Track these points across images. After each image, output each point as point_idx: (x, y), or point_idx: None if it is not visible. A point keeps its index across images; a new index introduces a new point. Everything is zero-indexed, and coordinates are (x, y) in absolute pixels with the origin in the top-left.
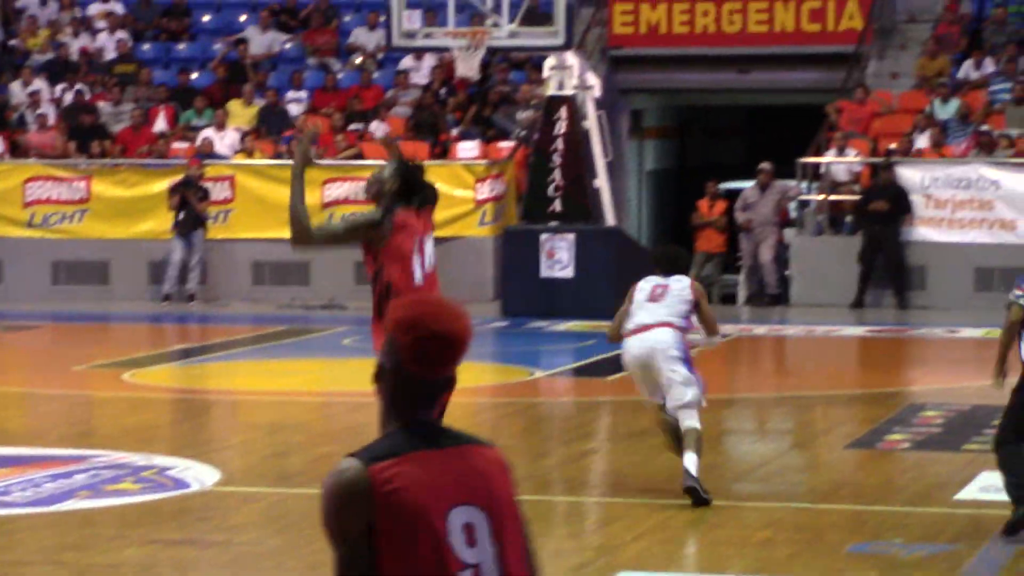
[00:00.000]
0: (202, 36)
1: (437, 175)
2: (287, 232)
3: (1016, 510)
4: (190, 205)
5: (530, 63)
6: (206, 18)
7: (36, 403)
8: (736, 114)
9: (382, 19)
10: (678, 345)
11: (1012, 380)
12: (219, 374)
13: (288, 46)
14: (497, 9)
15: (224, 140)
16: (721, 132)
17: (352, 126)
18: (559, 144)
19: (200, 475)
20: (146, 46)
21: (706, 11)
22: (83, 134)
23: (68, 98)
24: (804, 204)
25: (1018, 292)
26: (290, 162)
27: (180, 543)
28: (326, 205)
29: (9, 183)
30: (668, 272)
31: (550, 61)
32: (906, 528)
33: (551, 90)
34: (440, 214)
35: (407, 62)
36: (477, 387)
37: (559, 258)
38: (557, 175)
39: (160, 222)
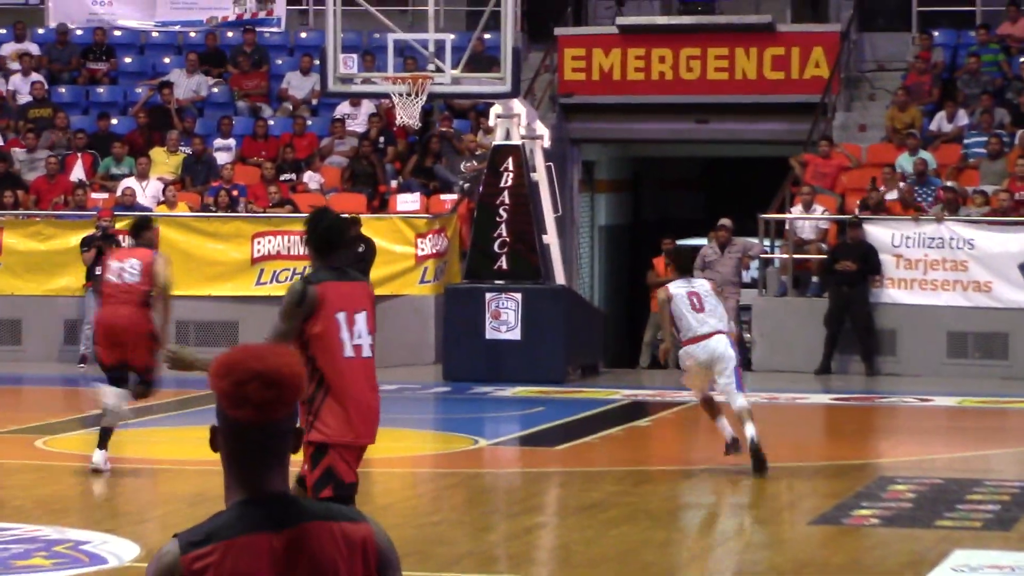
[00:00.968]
0: (123, 79)
1: (375, 229)
2: (213, 289)
3: None
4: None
5: (475, 111)
6: (128, 59)
7: None
8: (694, 166)
9: (316, 63)
10: (734, 352)
11: None
12: (139, 441)
13: (216, 90)
14: (439, 54)
15: (147, 190)
16: (678, 185)
17: (284, 176)
18: (505, 197)
19: (117, 550)
20: (63, 89)
21: (662, 56)
22: None
23: None
24: (767, 263)
25: None
26: (219, 215)
27: None
28: (255, 260)
29: None
30: (686, 272)
31: (496, 109)
32: None
33: (497, 140)
34: (378, 271)
35: (343, 109)
36: (416, 456)
37: (505, 319)
38: (503, 230)
39: (76, 278)
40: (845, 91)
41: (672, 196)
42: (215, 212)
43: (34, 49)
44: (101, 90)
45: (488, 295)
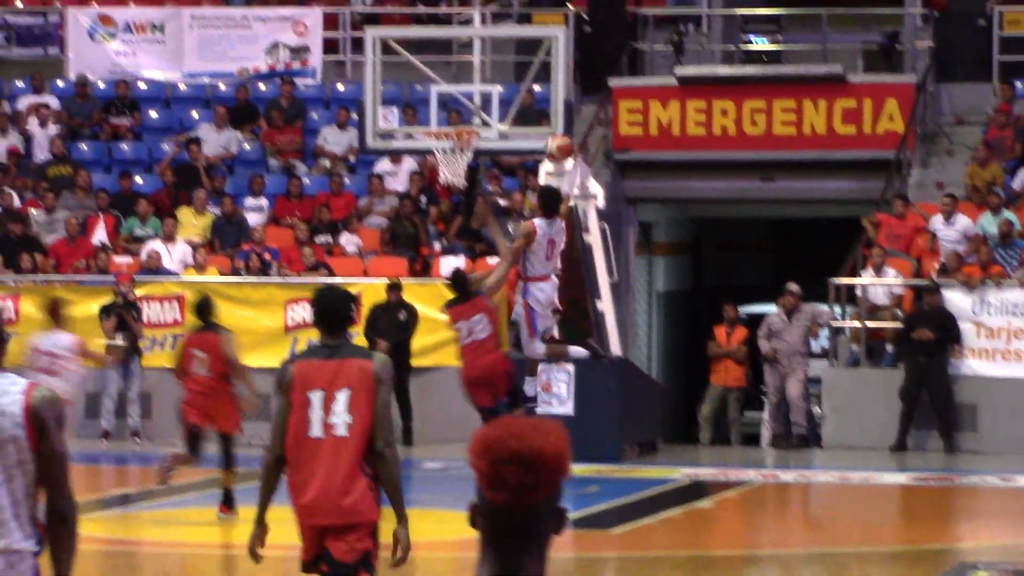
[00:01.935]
0: (148, 134)
1: (417, 295)
2: (244, 360)
3: None
4: (129, 328)
5: (523, 168)
6: (153, 114)
7: None
8: (758, 228)
9: (354, 117)
10: None
11: None
12: (164, 523)
13: (247, 146)
14: (486, 107)
15: (173, 254)
16: (741, 248)
17: (319, 239)
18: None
19: None
20: (84, 145)
21: (725, 110)
22: (11, 246)
23: None
24: (837, 332)
25: None
26: (250, 280)
27: None
28: (289, 329)
29: None
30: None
31: (546, 166)
32: None
33: None
34: (421, 340)
35: (383, 166)
36: (462, 540)
37: (557, 392)
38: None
39: (97, 347)
40: (921, 146)
41: (735, 259)
42: (246, 277)
43: (53, 103)
44: (124, 146)
45: (539, 366)
